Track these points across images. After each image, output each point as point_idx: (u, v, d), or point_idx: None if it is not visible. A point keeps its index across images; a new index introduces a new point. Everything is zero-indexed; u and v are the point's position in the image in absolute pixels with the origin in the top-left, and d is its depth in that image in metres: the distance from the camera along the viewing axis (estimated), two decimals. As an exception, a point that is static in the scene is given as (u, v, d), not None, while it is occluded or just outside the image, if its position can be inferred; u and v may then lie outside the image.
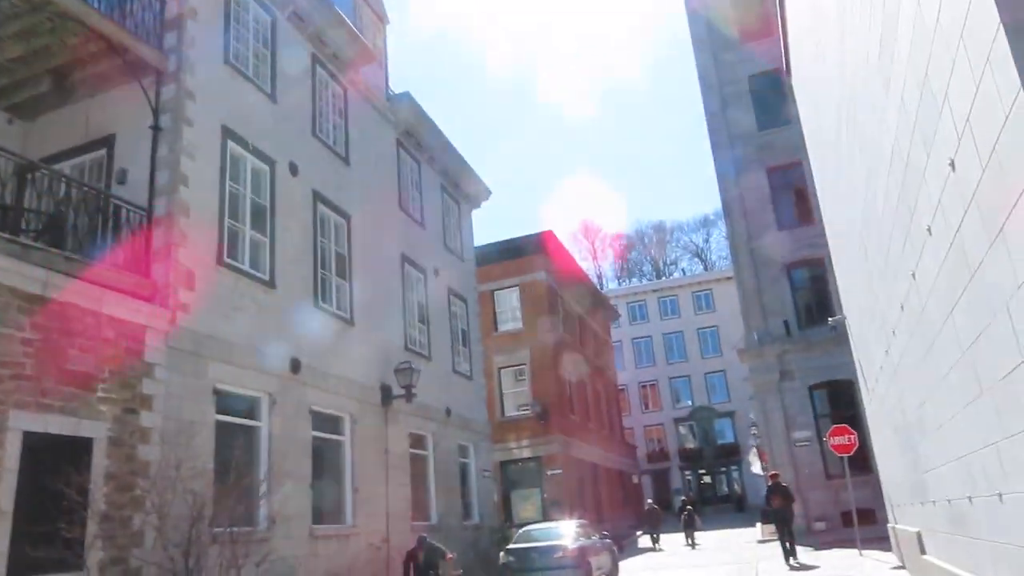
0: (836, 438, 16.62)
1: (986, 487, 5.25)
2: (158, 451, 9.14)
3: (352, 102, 16.96)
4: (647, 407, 54.90)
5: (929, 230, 5.48)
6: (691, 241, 79.70)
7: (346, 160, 16.35)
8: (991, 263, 4.06)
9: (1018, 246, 3.55)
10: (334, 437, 14.19)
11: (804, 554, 18.41)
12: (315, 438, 13.31)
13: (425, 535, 13.01)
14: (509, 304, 32.07)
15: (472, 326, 22.19)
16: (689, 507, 30.04)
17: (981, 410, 4.97)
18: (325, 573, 12.50)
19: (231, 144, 12.19)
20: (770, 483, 18.75)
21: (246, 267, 12.16)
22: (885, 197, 7.24)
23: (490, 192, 25.13)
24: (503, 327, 31.82)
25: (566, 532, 16.09)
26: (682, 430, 53.89)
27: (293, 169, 14.06)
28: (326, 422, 13.92)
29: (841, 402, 24.45)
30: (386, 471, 15.13)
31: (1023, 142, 3.13)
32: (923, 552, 9.69)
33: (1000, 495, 4.89)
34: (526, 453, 29.90)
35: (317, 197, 14.84)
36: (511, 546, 15.97)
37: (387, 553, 14.14)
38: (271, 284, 12.76)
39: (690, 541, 27.47)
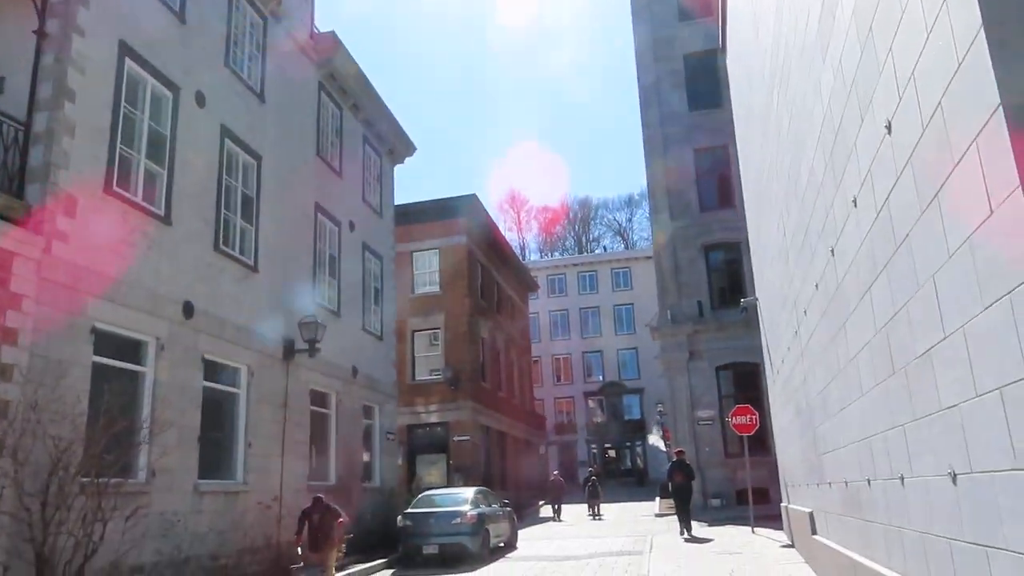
0: (738, 418, 16.93)
1: (888, 470, 5.15)
2: (19, 391, 8.27)
3: (272, 34, 15.89)
4: (559, 380, 55.40)
5: (855, 202, 5.29)
6: (615, 220, 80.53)
7: (261, 97, 15.34)
8: (920, 233, 3.85)
9: (953, 211, 3.31)
10: (229, 389, 13.42)
11: (699, 529, 18.81)
12: (207, 389, 12.53)
13: (322, 495, 12.49)
14: (428, 266, 31.44)
15: (386, 285, 21.52)
16: (594, 478, 30.59)
17: (891, 391, 4.83)
18: (208, 530, 11.83)
19: (129, 63, 11.12)
20: (674, 459, 19.22)
21: (138, 199, 11.19)
22: (810, 172, 7.08)
23: (415, 148, 24.33)
24: (420, 289, 31.21)
25: (466, 498, 15.87)
26: (591, 404, 54.66)
27: (200, 99, 13.04)
28: (221, 372, 13.15)
29: (745, 384, 25.10)
30: (283, 428, 14.47)
31: (974, 91, 2.85)
32: (814, 532, 9.82)
33: (902, 478, 4.78)
34: (434, 418, 29.56)
35: (225, 133, 13.86)
36: (409, 510, 15.64)
37: (279, 512, 13.55)
38: (166, 220, 11.82)
39: (594, 512, 28.32)
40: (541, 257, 70.15)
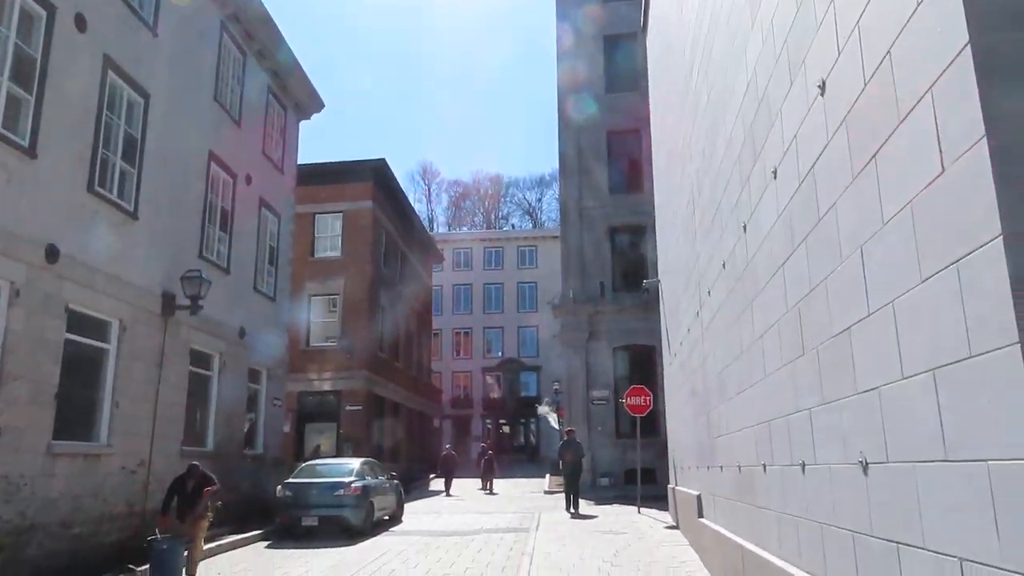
0: (632, 398, 16.99)
1: (787, 456, 4.95)
2: None
3: (167, -39, 14.53)
4: (459, 354, 55.04)
5: (775, 173, 5.02)
6: (525, 199, 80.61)
7: (153, 29, 13.98)
8: (850, 202, 3.57)
9: (893, 175, 3.01)
10: (97, 344, 12.23)
11: (586, 507, 18.90)
12: (71, 342, 11.34)
13: (197, 463, 11.61)
14: (330, 230, 30.30)
15: (283, 245, 20.41)
16: (490, 453, 30.99)
17: (799, 372, 4.60)
18: (62, 495, 10.75)
19: (-8, -30, 9.79)
20: (565, 438, 19.28)
21: (-4, 124, 9.91)
22: (727, 145, 6.84)
23: (323, 104, 23.15)
24: (321, 253, 30.06)
25: (351, 470, 15.24)
26: (489, 379, 54.66)
27: (80, 23, 11.68)
28: (88, 325, 11.94)
29: (641, 366, 25.43)
30: (157, 388, 13.40)
31: (936, 32, 2.53)
32: (700, 515, 9.80)
33: (803, 465, 4.57)
34: (327, 386, 28.64)
35: (109, 64, 12.52)
36: (290, 480, 14.89)
37: (146, 478, 12.54)
38: (31, 152, 10.55)
39: (487, 486, 28.66)
40: (450, 231, 69.36)
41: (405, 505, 21.37)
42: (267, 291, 19.15)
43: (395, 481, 17.50)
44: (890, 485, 3.15)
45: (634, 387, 17.31)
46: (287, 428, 28.46)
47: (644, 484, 19.14)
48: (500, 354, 54.70)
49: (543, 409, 49.23)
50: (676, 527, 13.27)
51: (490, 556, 11.39)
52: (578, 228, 27.58)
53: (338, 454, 27.88)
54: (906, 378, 2.92)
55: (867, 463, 3.43)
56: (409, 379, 36.28)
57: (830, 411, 3.98)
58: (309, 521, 14.07)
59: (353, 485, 14.50)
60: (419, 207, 70.55)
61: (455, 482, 28.05)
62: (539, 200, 78.64)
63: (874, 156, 3.19)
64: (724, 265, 7.22)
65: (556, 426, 41.92)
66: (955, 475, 2.50)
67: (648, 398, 16.95)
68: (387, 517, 16.87)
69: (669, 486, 14.89)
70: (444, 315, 54.17)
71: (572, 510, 17.37)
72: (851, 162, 3.50)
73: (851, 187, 3.52)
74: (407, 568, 10.63)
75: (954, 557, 2.53)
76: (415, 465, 35.63)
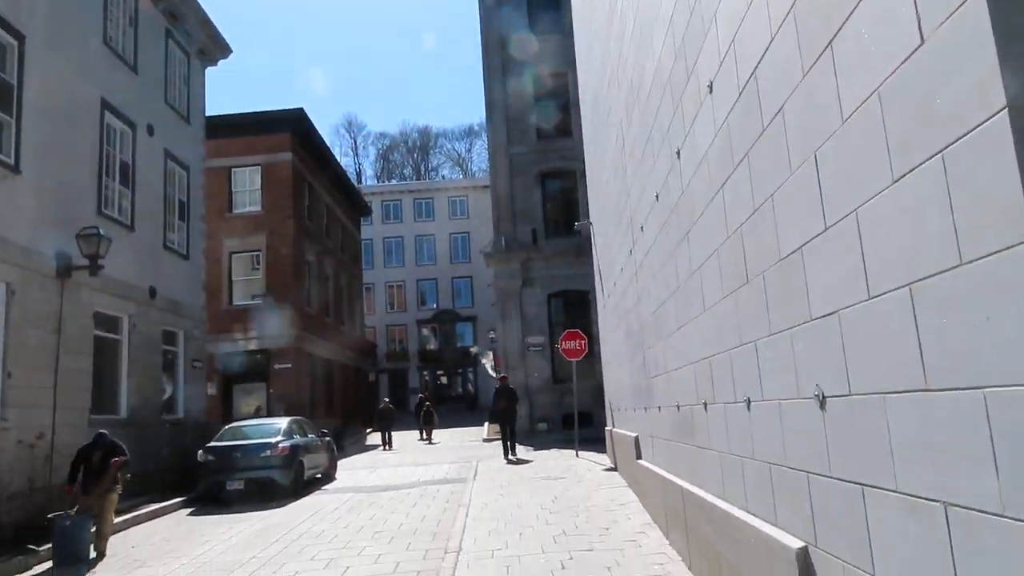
0: (568, 343, 16.73)
1: (730, 393, 4.60)
2: None
3: None
4: (392, 307, 54.18)
5: (711, 87, 4.55)
6: (454, 150, 79.23)
7: (23, -41, 12.58)
8: (798, 103, 3.11)
9: (856, 58, 2.55)
10: (-18, 310, 11.21)
11: (524, 453, 18.76)
12: (-50, 308, 10.33)
13: (105, 431, 10.79)
14: (248, 184, 28.85)
15: (194, 199, 19.19)
16: (428, 404, 31.14)
17: (742, 303, 4.22)
18: (-52, 475, 9.88)
19: None
20: (498, 385, 19.13)
21: None
22: (657, 66, 6.35)
23: (230, 50, 21.67)
24: (239, 209, 28.65)
25: (278, 429, 14.61)
26: (424, 332, 54.08)
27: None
28: (-30, 290, 10.90)
29: (575, 312, 25.29)
30: (57, 355, 12.40)
31: None
32: (639, 457, 9.60)
33: (748, 402, 4.22)
34: (253, 345, 27.60)
35: (-28, -1, 11.22)
36: (212, 444, 14.17)
37: (48, 451, 11.65)
38: None
39: (426, 436, 28.99)
40: (378, 183, 67.61)
41: (341, 461, 20.92)
42: (179, 248, 18.03)
43: (327, 438, 16.94)
44: (852, 420, 2.78)
45: (569, 331, 17.05)
46: (212, 391, 27.43)
47: (581, 428, 19.20)
48: (435, 306, 54.10)
49: (485, 361, 49.19)
50: (614, 469, 13.16)
51: (425, 510, 11.03)
52: (507, 175, 26.96)
53: (270, 414, 27.11)
54: (873, 298, 2.52)
55: (824, 397, 3.06)
56: (341, 335, 35.42)
57: (779, 342, 3.60)
58: (234, 485, 13.44)
59: (280, 445, 13.89)
60: (346, 162, 68.59)
61: (394, 435, 27.72)
62: (469, 151, 77.59)
63: (829, 44, 2.72)
64: (657, 197, 6.80)
65: (493, 374, 41.90)
66: (939, 407, 2.11)
67: (583, 342, 16.73)
68: (319, 475, 16.35)
69: (606, 429, 14.77)
70: (376, 269, 53.11)
71: (509, 457, 17.37)
72: (800, 58, 3.03)
73: (800, 86, 3.07)
74: (337, 528, 10.16)
75: (936, 501, 2.16)
76: (352, 420, 35.06)
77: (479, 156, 72.95)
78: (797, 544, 3.46)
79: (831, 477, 3.03)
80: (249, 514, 12.23)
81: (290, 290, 27.65)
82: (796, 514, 3.52)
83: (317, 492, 14.50)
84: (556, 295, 26.27)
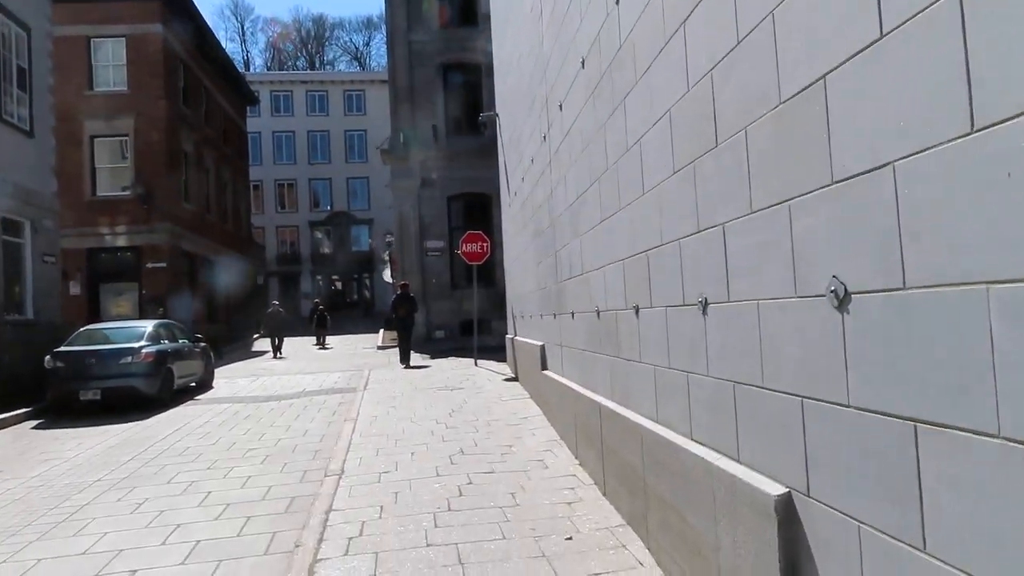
0: (469, 245, 15.64)
1: (677, 293, 3.67)
2: None
3: None
4: (283, 207, 51.20)
5: None
6: (351, 42, 74.58)
7: None
8: None
9: None
10: None
11: (420, 360, 17.91)
12: None
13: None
14: (112, 58, 25.56)
15: (39, 67, 16.50)
16: (321, 308, 30.71)
17: (707, 175, 3.22)
18: None
19: None
20: (398, 291, 18.32)
21: None
22: None
23: None
24: (101, 87, 25.44)
25: (141, 333, 13.01)
26: (318, 234, 51.59)
27: None
28: None
29: (476, 216, 24.03)
30: None
31: None
32: (544, 367, 8.79)
33: (704, 303, 3.29)
34: (122, 241, 25.11)
35: None
36: (62, 348, 12.45)
37: None
38: None
39: (321, 342, 28.65)
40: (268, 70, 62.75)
41: (222, 369, 19.50)
42: (19, 123, 15.53)
43: (202, 344, 15.41)
44: (903, 327, 1.84)
45: (470, 233, 15.92)
46: (77, 290, 25.12)
47: (480, 336, 18.52)
48: (329, 207, 51.56)
49: (382, 266, 47.54)
50: (515, 379, 12.44)
51: (308, 423, 9.96)
52: (407, 65, 24.94)
53: (141, 317, 25.06)
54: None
55: (846, 294, 2.11)
56: (224, 233, 33.00)
57: (769, 222, 2.62)
58: (89, 395, 11.89)
59: (144, 351, 12.35)
60: (232, 48, 63.39)
61: (287, 342, 26.19)
62: (367, 44, 73.48)
63: None
64: (583, 63, 5.67)
65: (390, 280, 40.62)
66: None
67: (485, 244, 15.68)
68: (193, 384, 14.95)
69: (508, 337, 13.98)
70: (264, 165, 49.85)
71: (405, 364, 16.76)
72: None
73: None
74: (205, 444, 8.97)
75: None
76: (237, 326, 33.17)
77: (378, 51, 69.10)
78: (777, 490, 2.60)
79: (844, 406, 2.13)
80: (105, 427, 10.81)
81: (163, 181, 25.11)
82: (778, 451, 2.64)
83: (190, 403, 13.15)
84: (456, 197, 24.98)
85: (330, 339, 30.03)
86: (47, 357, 12.24)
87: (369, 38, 73.20)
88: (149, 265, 25.26)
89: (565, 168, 6.76)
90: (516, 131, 10.98)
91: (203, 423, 10.67)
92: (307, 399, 12.60)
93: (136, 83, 25.18)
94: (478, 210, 24.21)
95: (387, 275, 43.30)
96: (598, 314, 5.58)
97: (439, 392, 11.71)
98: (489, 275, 21.52)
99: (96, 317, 24.33)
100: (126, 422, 11.18)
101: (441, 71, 25.16)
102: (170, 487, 6.91)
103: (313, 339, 30.79)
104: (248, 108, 42.77)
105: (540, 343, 9.01)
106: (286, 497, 6.24)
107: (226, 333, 31.10)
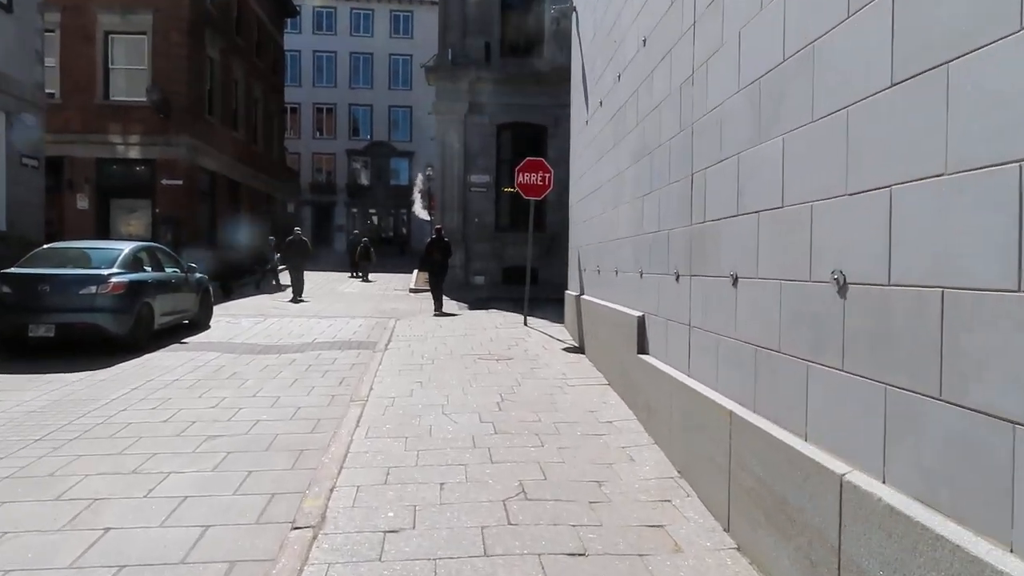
0: (526, 175, 12.64)
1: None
2: None
3: None
4: (320, 133, 48.27)
5: None
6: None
7: None
8: None
9: None
10: None
11: (456, 308, 15.29)
12: None
13: None
14: (132, -54, 22.65)
15: (26, -71, 13.73)
16: (366, 240, 29.67)
17: None
18: None
19: None
20: (433, 236, 16.16)
21: None
22: None
23: None
24: (119, -25, 22.62)
25: (114, 257, 10.41)
26: (356, 164, 48.75)
27: None
28: None
29: (528, 150, 20.96)
30: None
31: None
32: (643, 349, 5.97)
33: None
34: (135, 153, 22.59)
35: None
36: (11, 270, 9.91)
37: None
38: None
39: (362, 275, 27.81)
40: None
41: (229, 304, 17.05)
42: (-8, -8, 12.83)
43: (197, 275, 12.84)
44: None
45: (529, 160, 12.87)
46: (84, 204, 22.79)
47: (520, 284, 16.12)
48: (368, 136, 48.54)
49: (416, 199, 44.76)
50: (579, 350, 9.66)
51: (302, 398, 7.32)
52: (461, -29, 21.63)
53: (154, 239, 22.74)
54: None
55: None
56: (252, 154, 30.37)
57: None
58: (40, 331, 9.40)
59: (113, 280, 9.78)
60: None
61: (313, 277, 23.38)
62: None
63: None
64: None
65: (427, 217, 37.95)
66: None
67: (547, 175, 12.66)
68: (185, 322, 12.48)
69: (569, 293, 11.16)
70: (304, 87, 46.91)
71: (438, 310, 15.08)
72: None
73: None
74: (155, 420, 6.40)
75: None
76: (261, 255, 30.79)
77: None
78: None
79: None
80: (51, 376, 8.32)
81: (183, 87, 22.38)
82: None
83: (171, 347, 10.63)
84: (507, 127, 21.94)
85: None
86: (-9, 280, 9.73)
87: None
88: (164, 182, 22.75)
89: (689, 57, 3.82)
90: (608, 17, 7.92)
91: (170, 382, 8.10)
92: (314, 355, 9.99)
93: (156, -26, 22.29)
94: (531, 141, 21.17)
95: (424, 213, 40.56)
96: (841, 286, 2.70)
97: (481, 362, 8.96)
98: (539, 216, 18.61)
99: (104, 236, 22.09)
100: (80, 370, 8.68)
101: (499, -21, 21.84)
102: (52, 511, 4.31)
103: (351, 272, 28.64)
104: (287, 22, 39.71)
105: (636, 313, 6.16)
106: (219, 561, 3.59)
107: (247, 261, 28.79)
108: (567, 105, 20.94)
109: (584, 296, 9.50)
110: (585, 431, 5.75)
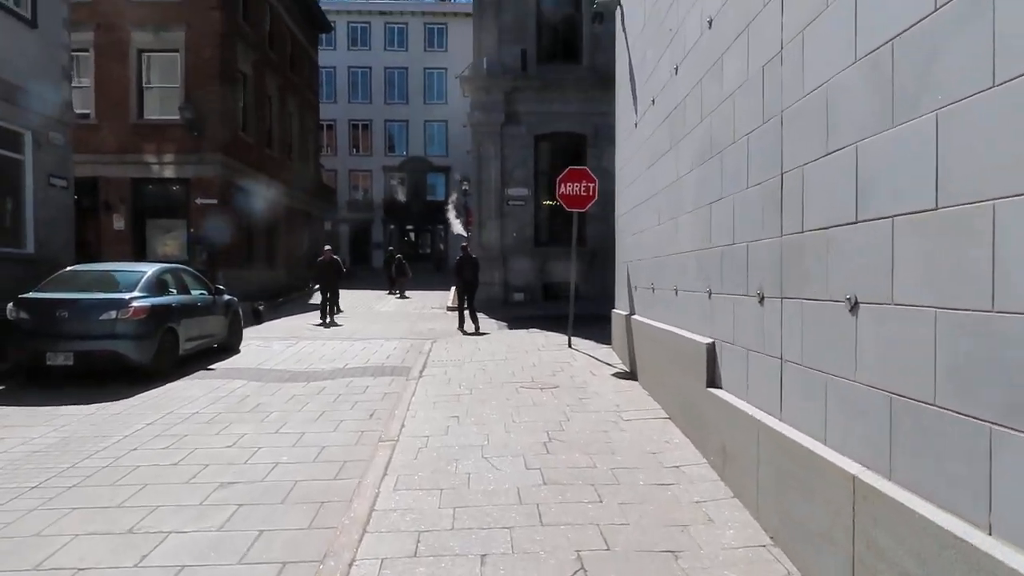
0: (569, 186, 11.81)
1: None
2: None
3: None
4: (357, 150, 48.12)
5: None
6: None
7: None
8: None
9: None
10: None
11: (496, 330, 14.56)
12: None
13: None
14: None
15: (52, -55, 13.44)
16: (399, 256, 29.37)
17: None
18: None
19: None
20: (461, 254, 15.89)
21: None
22: None
23: None
24: (152, -7, 22.54)
25: (136, 280, 9.86)
26: (392, 181, 48.46)
27: None
28: None
29: (568, 161, 20.17)
30: None
31: None
32: (713, 382, 5.13)
33: None
34: (170, 172, 22.38)
35: None
36: (29, 294, 9.42)
37: None
38: None
39: (399, 291, 27.47)
40: None
41: (263, 326, 16.57)
42: (20, 9, 12.50)
43: (227, 297, 12.30)
44: None
45: (572, 170, 12.04)
46: (120, 224, 22.65)
47: (561, 301, 15.53)
48: (404, 152, 48.24)
49: (451, 214, 44.27)
50: (631, 376, 8.81)
51: (329, 433, 6.61)
52: (497, -23, 21.02)
53: (191, 260, 22.47)
54: None
55: None
56: (288, 171, 30.12)
57: None
58: (59, 359, 8.88)
59: (134, 305, 9.23)
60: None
61: (351, 295, 22.80)
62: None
63: None
64: None
65: (465, 233, 37.39)
66: None
67: (592, 185, 11.81)
68: (215, 345, 11.95)
69: (618, 312, 10.33)
70: (339, 103, 46.84)
71: (466, 328, 15.24)
72: None
73: None
74: (165, 462, 5.74)
75: None
76: (298, 275, 30.48)
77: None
78: None
79: None
80: (63, 409, 7.77)
81: (216, 105, 22.11)
82: None
83: (198, 373, 10.06)
84: (545, 137, 21.21)
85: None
86: (9, 305, 9.25)
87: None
88: (199, 201, 22.48)
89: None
90: (661, 3, 7.12)
91: (189, 415, 7.47)
92: (344, 382, 9.31)
93: (190, -11, 22.11)
94: (569, 153, 20.39)
95: (459, 227, 39.99)
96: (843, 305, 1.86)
97: (524, 392, 8.16)
98: (579, 229, 17.81)
99: (141, 256, 21.89)
100: (96, 401, 8.12)
101: (535, -15, 21.17)
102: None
103: (389, 288, 28.10)
104: (322, 38, 39.64)
105: (704, 340, 5.32)
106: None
107: (285, 282, 28.46)
108: (607, 113, 20.08)
109: (636, 316, 8.66)
110: (649, 479, 4.91)
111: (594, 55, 20.50)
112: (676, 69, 6.29)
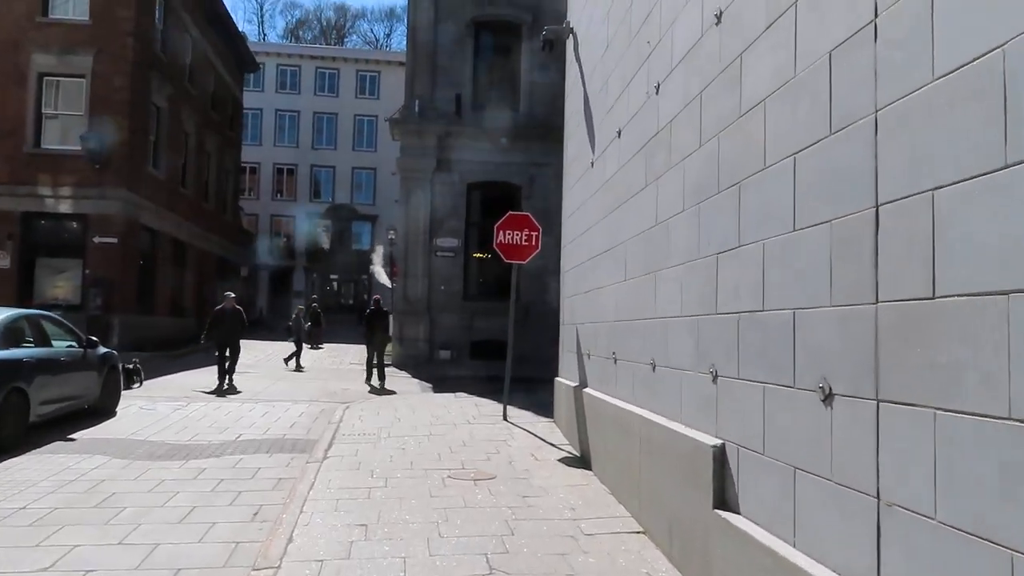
0: (507, 234, 10.39)
1: None
2: None
3: None
4: (280, 194, 46.01)
5: None
6: (372, 32, 70.40)
7: None
8: None
9: None
10: None
11: (420, 393, 12.94)
12: None
13: None
14: (73, -20, 20.80)
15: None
16: (315, 305, 28.98)
17: None
18: None
19: None
20: (372, 308, 15.97)
21: None
22: None
23: None
24: (57, 14, 20.64)
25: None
26: (317, 227, 46.36)
27: None
28: None
29: (500, 212, 19.07)
30: None
31: None
32: (724, 503, 3.73)
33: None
34: (66, 207, 20.17)
35: None
36: None
37: None
38: None
39: (314, 343, 26.13)
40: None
41: (159, 380, 14.51)
42: None
43: (101, 351, 10.37)
44: None
45: (512, 215, 10.65)
46: (6, 263, 20.22)
47: (494, 361, 14.31)
48: (330, 199, 46.38)
49: (376, 265, 42.43)
50: (582, 463, 7.36)
51: (187, 547, 4.92)
52: (432, 16, 19.96)
53: (83, 303, 20.19)
54: None
55: None
56: (204, 213, 28.03)
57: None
58: None
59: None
60: (250, 29, 58.31)
61: (259, 349, 20.72)
62: (388, 36, 69.14)
63: None
64: None
65: (389, 284, 35.64)
66: None
67: (535, 234, 10.39)
68: (87, 407, 9.97)
69: (563, 383, 8.93)
70: (265, 146, 44.90)
71: (374, 383, 14.71)
72: None
73: None
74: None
75: None
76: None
77: (398, 42, 64.58)
78: None
79: None
80: None
81: (124, 136, 20.15)
82: None
83: (53, 445, 8.14)
84: (478, 186, 20.03)
85: (307, 350, 25.05)
86: None
87: (391, 29, 68.97)
88: (96, 240, 20.28)
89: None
90: (636, 13, 5.95)
91: (11, 512, 5.66)
92: (233, 460, 7.58)
93: (101, 13, 20.30)
94: (505, 205, 19.18)
95: (384, 278, 38.18)
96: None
97: (453, 485, 6.58)
98: (503, 286, 16.45)
99: (27, 298, 19.43)
100: None
101: (472, 30, 20.22)
102: None
103: (293, 345, 25.46)
104: (249, 78, 38.00)
105: (708, 440, 3.95)
106: None
107: (194, 331, 26.08)
108: (545, 164, 18.99)
109: (589, 391, 7.28)
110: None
111: (532, 104, 19.60)
112: (657, 88, 5.08)
